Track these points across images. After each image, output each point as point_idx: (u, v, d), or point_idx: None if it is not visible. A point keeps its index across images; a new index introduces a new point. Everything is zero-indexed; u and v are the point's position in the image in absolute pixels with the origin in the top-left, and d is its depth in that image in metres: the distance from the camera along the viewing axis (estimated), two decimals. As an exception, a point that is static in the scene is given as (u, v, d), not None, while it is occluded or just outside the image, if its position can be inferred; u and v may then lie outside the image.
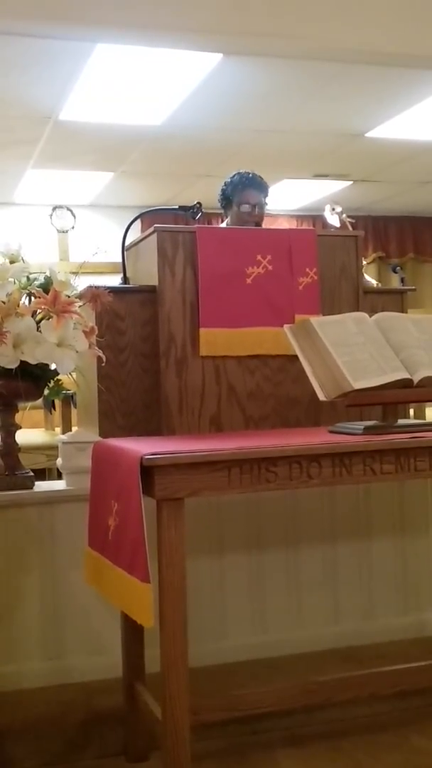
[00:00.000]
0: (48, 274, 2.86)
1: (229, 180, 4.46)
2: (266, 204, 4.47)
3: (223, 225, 4.54)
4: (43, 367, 2.85)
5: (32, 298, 2.82)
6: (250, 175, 4.46)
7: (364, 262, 7.89)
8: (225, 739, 2.74)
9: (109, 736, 2.72)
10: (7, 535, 2.92)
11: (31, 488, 3.01)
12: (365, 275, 4.18)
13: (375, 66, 5.21)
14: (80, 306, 2.83)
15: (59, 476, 3.24)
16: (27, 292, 2.83)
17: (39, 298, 2.75)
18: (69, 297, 2.78)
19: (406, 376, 2.48)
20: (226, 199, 4.44)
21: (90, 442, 2.78)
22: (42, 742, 2.67)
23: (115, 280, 3.32)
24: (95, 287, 2.88)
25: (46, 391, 3.02)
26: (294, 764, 2.64)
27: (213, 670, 2.97)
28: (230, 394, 3.10)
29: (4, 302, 2.74)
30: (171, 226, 3.19)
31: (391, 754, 2.67)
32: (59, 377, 2.99)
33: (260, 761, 2.65)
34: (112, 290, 2.95)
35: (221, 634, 3.13)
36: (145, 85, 5.55)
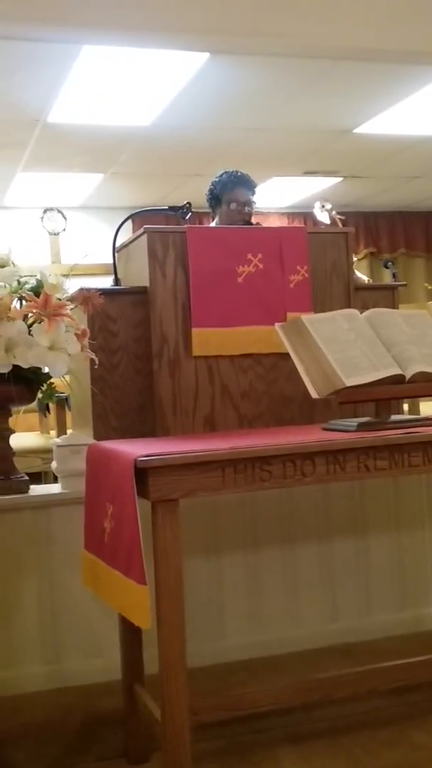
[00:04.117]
0: (39, 277, 2.86)
1: (217, 179, 4.47)
2: (254, 202, 4.47)
3: (213, 224, 4.54)
4: (36, 371, 2.85)
5: (23, 302, 2.81)
6: (239, 173, 4.47)
7: (355, 259, 7.89)
8: (225, 739, 2.74)
9: (110, 739, 2.72)
10: (4, 539, 2.92)
11: (27, 492, 3.00)
12: (356, 271, 4.19)
13: (362, 62, 5.23)
14: (72, 309, 2.83)
15: (55, 480, 3.24)
16: (18, 295, 2.83)
17: (30, 301, 2.75)
18: (60, 300, 2.77)
19: (398, 372, 2.48)
20: (215, 198, 4.44)
21: (84, 444, 2.78)
22: (42, 747, 2.67)
23: (107, 282, 3.32)
24: (86, 290, 2.88)
25: (39, 395, 3.02)
26: (294, 762, 2.64)
27: (212, 670, 2.97)
28: (224, 393, 3.10)
29: (-6, 306, 2.73)
30: (161, 227, 3.19)
31: (391, 750, 2.68)
32: (52, 380, 2.99)
33: (261, 760, 2.65)
34: (104, 292, 2.95)
35: (219, 633, 3.13)
36: (133, 86, 5.55)
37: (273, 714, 2.73)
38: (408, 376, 2.49)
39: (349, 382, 2.42)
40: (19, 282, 2.87)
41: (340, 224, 5.20)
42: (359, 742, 2.73)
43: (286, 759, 2.65)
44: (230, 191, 4.39)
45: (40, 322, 2.73)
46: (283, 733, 2.77)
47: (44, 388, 2.99)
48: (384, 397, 2.55)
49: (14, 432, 3.03)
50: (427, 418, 2.63)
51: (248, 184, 4.45)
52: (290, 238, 3.21)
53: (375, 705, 2.88)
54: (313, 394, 2.45)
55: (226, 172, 4.48)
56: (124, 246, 3.34)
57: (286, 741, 2.74)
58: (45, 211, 6.64)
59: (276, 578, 3.21)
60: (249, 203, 4.41)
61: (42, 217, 6.61)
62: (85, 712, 2.77)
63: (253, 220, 4.55)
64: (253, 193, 4.47)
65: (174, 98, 5.82)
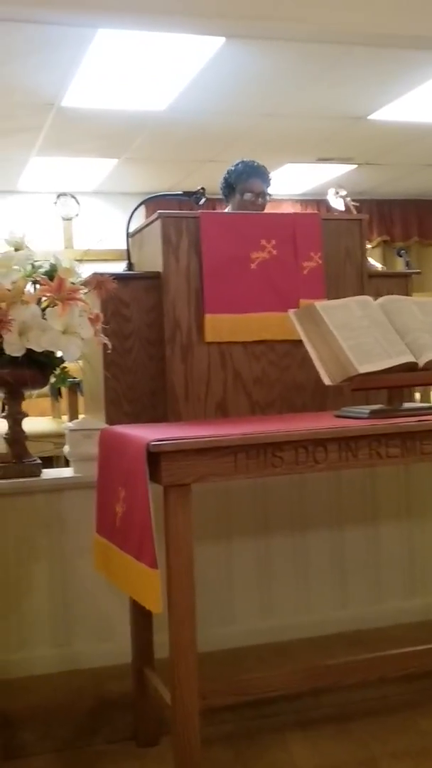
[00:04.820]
0: (53, 261, 2.86)
1: (232, 168, 4.45)
2: (269, 194, 4.46)
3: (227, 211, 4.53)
4: (49, 355, 2.85)
5: (37, 286, 2.81)
6: (255, 163, 4.45)
7: (369, 246, 7.86)
8: (234, 723, 2.75)
9: (119, 722, 2.73)
10: (16, 522, 2.94)
11: (39, 476, 3.02)
12: (370, 259, 4.18)
13: (377, 48, 5.19)
14: (85, 293, 2.83)
15: (67, 464, 3.25)
16: (32, 279, 2.83)
17: (44, 285, 2.75)
18: (74, 284, 2.78)
19: (412, 359, 2.48)
20: (229, 187, 4.42)
21: (96, 429, 2.78)
22: (52, 728, 2.69)
23: (119, 267, 3.32)
24: (100, 274, 2.88)
25: (52, 379, 3.03)
26: (303, 747, 2.65)
27: (221, 655, 2.98)
28: (236, 379, 3.10)
29: (9, 290, 2.74)
30: (175, 212, 3.18)
31: (399, 737, 2.69)
32: (65, 365, 2.99)
33: (269, 744, 2.67)
34: (117, 277, 2.95)
35: (229, 619, 3.14)
36: (148, 71, 5.53)
37: (282, 699, 2.75)
38: (421, 363, 2.48)
39: (363, 369, 2.41)
40: (33, 266, 2.87)
41: (354, 211, 5.18)
42: (367, 729, 2.74)
43: (294, 744, 2.67)
44: (245, 181, 4.38)
45: (53, 306, 2.73)
46: (292, 719, 2.79)
47: (57, 372, 3.00)
48: (397, 384, 2.55)
49: (27, 416, 3.04)
50: (439, 406, 2.62)
51: (263, 175, 4.44)
52: (304, 225, 3.20)
53: (384, 692, 2.89)
54: (326, 381, 2.45)
55: (242, 162, 4.46)
56: (138, 231, 3.34)
57: (294, 726, 2.76)
58: (58, 196, 6.63)
59: (286, 565, 3.22)
60: (263, 194, 4.40)
61: (56, 202, 6.61)
62: (95, 695, 2.79)
63: (267, 211, 4.53)
64: (268, 184, 4.45)
65: (189, 83, 5.79)
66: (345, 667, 2.72)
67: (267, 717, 2.79)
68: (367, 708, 2.85)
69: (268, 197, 4.46)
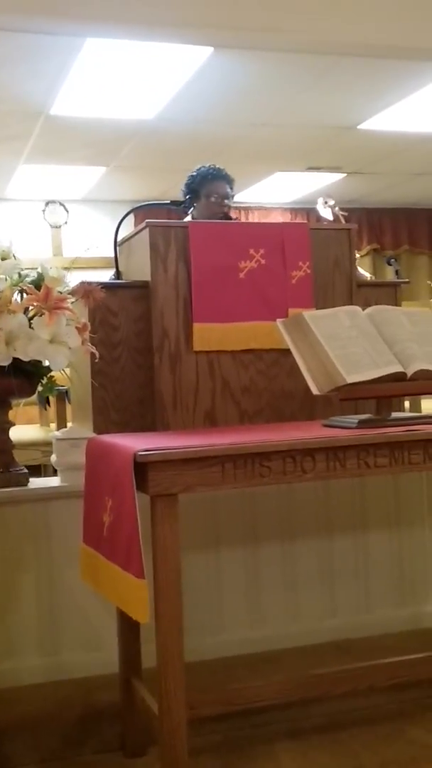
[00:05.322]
0: (40, 270, 2.85)
1: (194, 173, 4.40)
2: (233, 196, 4.44)
3: (188, 218, 4.47)
4: (36, 364, 2.85)
5: (24, 295, 2.81)
6: (217, 167, 4.43)
7: (358, 255, 7.88)
8: (223, 734, 2.74)
9: (107, 732, 2.72)
10: (3, 532, 2.92)
11: (26, 485, 3.00)
12: (359, 268, 4.18)
13: (366, 59, 5.21)
14: (73, 302, 2.82)
15: (54, 472, 3.23)
16: (19, 288, 2.82)
17: (31, 294, 2.75)
18: (61, 293, 2.77)
19: (400, 369, 2.48)
20: (193, 192, 4.36)
21: (84, 438, 2.78)
22: (39, 739, 2.67)
23: (108, 276, 3.32)
24: (88, 283, 2.88)
25: (39, 388, 3.02)
26: (293, 757, 2.64)
27: (210, 665, 2.97)
28: (224, 388, 3.09)
29: (-5, 299, 2.73)
30: (163, 221, 3.18)
31: (389, 746, 2.68)
32: (52, 374, 2.99)
33: (259, 755, 2.66)
34: (105, 286, 2.94)
35: (218, 628, 3.13)
36: (136, 80, 5.54)
37: (271, 709, 2.73)
38: (409, 373, 2.48)
39: (350, 378, 2.41)
40: (20, 275, 2.86)
41: (342, 220, 5.19)
42: (357, 738, 2.73)
43: (283, 754, 2.66)
44: (210, 184, 4.34)
45: (40, 315, 2.72)
46: (281, 728, 2.77)
47: (44, 381, 2.99)
48: (385, 394, 2.55)
49: (14, 425, 3.03)
50: (428, 416, 2.62)
51: (227, 179, 4.42)
52: (292, 234, 3.20)
53: (373, 701, 2.89)
54: (314, 391, 2.45)
55: (203, 166, 4.44)
56: (126, 240, 3.34)
57: (284, 736, 2.74)
58: (47, 204, 6.64)
59: (275, 574, 3.21)
60: (228, 197, 4.39)
61: (44, 210, 6.61)
62: (82, 705, 2.77)
63: (245, 216, 4.52)
64: (232, 188, 4.44)
65: (177, 92, 5.81)
66: (334, 677, 2.71)
67: (256, 727, 2.78)
68: (356, 717, 2.84)
69: (232, 201, 4.45)
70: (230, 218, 4.40)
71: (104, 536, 2.39)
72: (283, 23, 4.40)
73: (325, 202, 5.30)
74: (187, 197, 4.20)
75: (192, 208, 4.30)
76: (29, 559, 2.95)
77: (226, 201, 4.34)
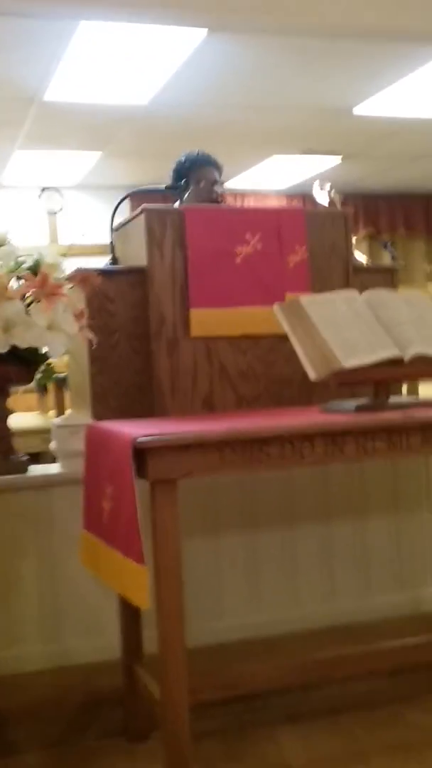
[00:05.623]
0: (36, 257, 2.84)
1: (183, 158, 4.38)
2: (221, 183, 4.43)
3: (177, 204, 4.44)
4: (34, 351, 2.84)
5: (21, 282, 2.80)
6: (206, 153, 4.41)
7: (354, 239, 7.87)
8: (224, 718, 2.75)
9: (109, 718, 2.73)
10: (3, 519, 2.92)
11: (26, 472, 3.00)
12: (355, 252, 4.17)
13: (361, 41, 5.18)
14: (69, 289, 2.82)
15: (54, 460, 3.23)
16: (16, 275, 2.82)
17: (28, 281, 2.74)
18: (58, 280, 2.76)
19: (397, 353, 2.48)
20: (182, 178, 4.33)
21: (83, 425, 2.78)
22: (42, 725, 2.68)
23: (104, 262, 3.31)
24: (84, 269, 2.87)
25: (37, 375, 3.01)
26: (293, 741, 2.66)
27: (211, 650, 2.98)
28: (222, 374, 3.09)
29: (-8, 287, 2.72)
30: (159, 206, 3.17)
31: (388, 730, 2.70)
32: (50, 361, 2.98)
33: (259, 739, 2.67)
34: (102, 272, 2.94)
35: (218, 613, 3.14)
36: (131, 64, 5.50)
37: (271, 694, 2.75)
38: (407, 357, 2.48)
39: (348, 363, 2.41)
40: (16, 262, 2.85)
41: (339, 205, 5.18)
42: (357, 722, 2.75)
43: (284, 738, 2.67)
44: (199, 169, 4.33)
45: (38, 302, 2.72)
46: (282, 713, 2.79)
47: (42, 368, 2.98)
48: (382, 378, 2.55)
49: (13, 412, 3.03)
50: (425, 401, 2.62)
51: (216, 164, 4.41)
52: (289, 219, 3.19)
53: (373, 685, 2.90)
54: (312, 376, 2.45)
55: (192, 152, 4.42)
56: (122, 225, 3.33)
57: (284, 720, 2.76)
58: (43, 190, 6.62)
59: (275, 559, 3.22)
60: (217, 183, 4.38)
61: (40, 196, 6.59)
62: (84, 691, 2.78)
63: (241, 201, 4.51)
64: (220, 174, 4.43)
65: (172, 76, 5.77)
66: (334, 661, 2.72)
67: (257, 711, 2.79)
68: (356, 701, 2.85)
69: (220, 188, 4.44)
70: (219, 204, 4.39)
71: (104, 522, 2.40)
72: (277, 5, 4.37)
73: (321, 187, 5.29)
74: (183, 181, 4.18)
75: (186, 194, 4.29)
76: (30, 546, 2.95)
77: (215, 187, 4.33)
